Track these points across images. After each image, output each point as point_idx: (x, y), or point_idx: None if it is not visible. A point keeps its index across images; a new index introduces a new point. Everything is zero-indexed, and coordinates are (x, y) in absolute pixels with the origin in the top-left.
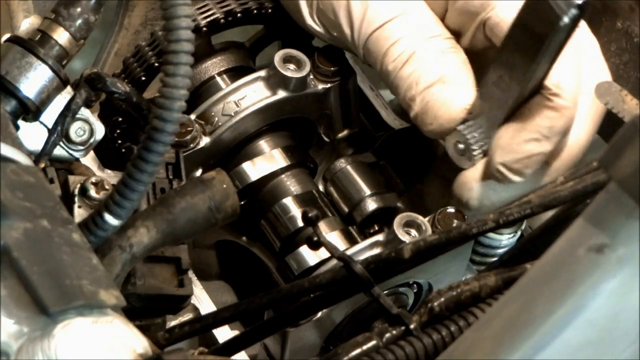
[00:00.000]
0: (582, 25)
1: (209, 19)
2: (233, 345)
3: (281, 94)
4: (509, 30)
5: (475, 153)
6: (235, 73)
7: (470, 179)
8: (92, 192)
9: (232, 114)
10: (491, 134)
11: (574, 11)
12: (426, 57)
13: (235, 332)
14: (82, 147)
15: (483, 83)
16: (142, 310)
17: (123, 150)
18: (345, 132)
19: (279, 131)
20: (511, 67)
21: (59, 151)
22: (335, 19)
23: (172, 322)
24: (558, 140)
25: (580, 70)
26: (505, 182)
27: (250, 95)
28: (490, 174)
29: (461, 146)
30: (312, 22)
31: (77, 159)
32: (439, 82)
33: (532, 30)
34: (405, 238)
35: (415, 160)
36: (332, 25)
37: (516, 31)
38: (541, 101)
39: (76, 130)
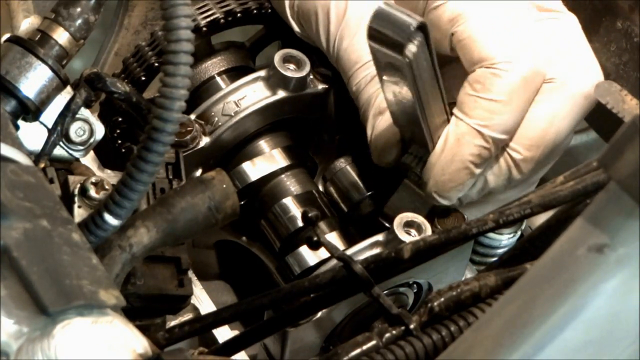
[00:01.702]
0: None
1: (209, 19)
2: (233, 345)
3: (281, 94)
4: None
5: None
6: (235, 73)
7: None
8: (92, 192)
9: (232, 114)
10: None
11: (417, 39)
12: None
13: (235, 332)
14: (82, 147)
15: (387, 104)
16: (142, 310)
17: (123, 150)
18: (345, 132)
19: (278, 131)
20: (393, 79)
21: (59, 151)
22: (313, 25)
23: (172, 322)
24: (489, 163)
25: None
26: (440, 204)
27: (250, 95)
28: (427, 197)
29: (412, 176)
30: (293, 23)
31: (77, 159)
32: (385, 111)
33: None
34: (405, 238)
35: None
36: (310, 31)
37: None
38: (468, 129)
39: (76, 130)
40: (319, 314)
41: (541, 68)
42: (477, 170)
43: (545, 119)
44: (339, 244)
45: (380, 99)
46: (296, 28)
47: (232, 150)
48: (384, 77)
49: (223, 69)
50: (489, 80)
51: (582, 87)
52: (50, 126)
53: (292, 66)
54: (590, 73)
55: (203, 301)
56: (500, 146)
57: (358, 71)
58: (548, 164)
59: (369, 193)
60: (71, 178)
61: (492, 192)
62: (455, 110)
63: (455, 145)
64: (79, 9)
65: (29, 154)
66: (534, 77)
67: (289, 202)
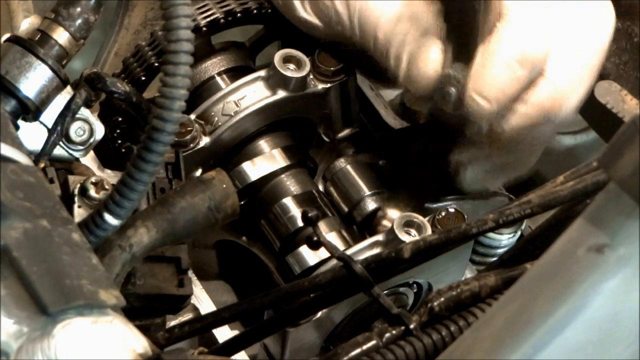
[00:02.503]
0: None
1: (209, 19)
2: (233, 345)
3: (281, 94)
4: None
5: None
6: (235, 73)
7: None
8: (92, 192)
9: (232, 114)
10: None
11: None
12: (415, 16)
13: (235, 332)
14: (82, 147)
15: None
16: (142, 310)
17: (123, 150)
18: (345, 132)
19: (278, 131)
20: None
21: (58, 151)
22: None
23: (172, 322)
24: (532, 68)
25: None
26: (478, 110)
27: (250, 95)
28: (465, 104)
29: (452, 90)
30: (305, 14)
31: (77, 159)
32: (422, 34)
33: None
34: (405, 238)
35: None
36: (326, 11)
37: None
38: (509, 26)
39: (76, 130)
40: (319, 314)
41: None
42: (519, 71)
43: (575, 48)
44: (339, 244)
45: (412, 38)
46: (308, 19)
47: (232, 150)
48: None
49: (223, 68)
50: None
51: (608, 21)
52: (50, 126)
53: (292, 66)
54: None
55: (203, 301)
56: (541, 55)
57: (383, 17)
58: (582, 98)
59: (369, 193)
60: (71, 178)
61: (526, 128)
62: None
63: (496, 39)
64: (79, 9)
65: (29, 154)
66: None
67: (289, 202)
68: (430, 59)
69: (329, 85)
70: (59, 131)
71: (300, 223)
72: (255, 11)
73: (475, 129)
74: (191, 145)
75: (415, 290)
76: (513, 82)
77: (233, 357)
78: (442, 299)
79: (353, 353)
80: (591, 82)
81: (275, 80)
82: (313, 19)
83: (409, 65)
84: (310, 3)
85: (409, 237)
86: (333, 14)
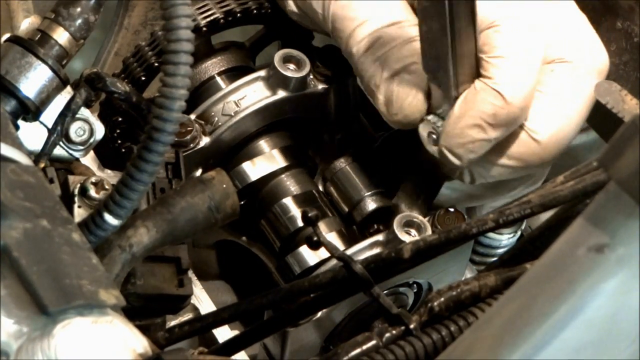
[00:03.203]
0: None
1: (209, 19)
2: (233, 345)
3: (281, 94)
4: None
5: None
6: (235, 73)
7: None
8: (92, 192)
9: (232, 114)
10: None
11: None
12: (391, 44)
13: (235, 332)
14: (82, 147)
15: (420, 38)
16: (142, 310)
17: (123, 150)
18: (345, 132)
19: (278, 131)
20: (430, 15)
21: (59, 151)
22: None
23: (172, 322)
24: (506, 130)
25: (534, 61)
26: (448, 164)
27: (250, 95)
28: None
29: (435, 136)
30: (291, 3)
31: (77, 159)
32: (403, 71)
33: None
34: (405, 238)
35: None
36: (305, 4)
37: None
38: (484, 86)
39: (76, 130)
40: (319, 314)
41: (540, 27)
42: (491, 133)
43: (559, 97)
44: (339, 244)
45: (392, 59)
46: (293, 9)
47: (232, 150)
48: (424, 3)
49: (223, 69)
50: (492, 39)
51: (593, 65)
52: (50, 126)
53: (292, 66)
54: (598, 50)
55: (203, 301)
56: (516, 117)
57: (357, 30)
58: (564, 147)
59: (369, 193)
60: (71, 178)
61: (505, 177)
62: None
63: (470, 100)
64: (79, 9)
65: (29, 154)
66: (535, 33)
67: (288, 202)
68: (416, 105)
69: (328, 85)
70: (59, 131)
71: (300, 223)
72: (255, 11)
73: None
74: (191, 145)
75: (415, 290)
76: (484, 142)
77: (233, 357)
78: (442, 299)
79: (353, 353)
80: (577, 130)
81: (275, 80)
82: (297, 10)
83: (388, 106)
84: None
85: (409, 237)
86: (310, 11)
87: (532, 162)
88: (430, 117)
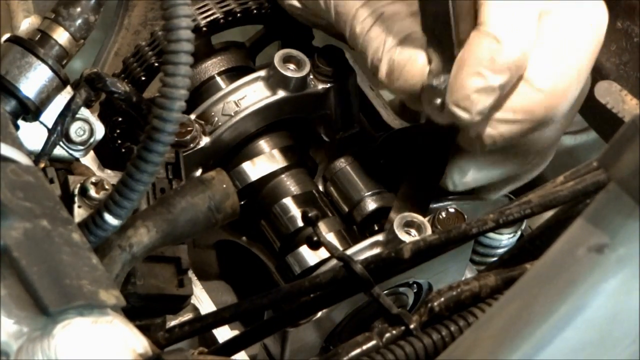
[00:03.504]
0: None
1: (209, 19)
2: (233, 345)
3: (281, 94)
4: None
5: None
6: (235, 73)
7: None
8: (92, 192)
9: (232, 114)
10: None
11: None
12: (394, 18)
13: (235, 332)
14: (82, 147)
15: (420, 11)
16: (142, 310)
17: (123, 150)
18: (345, 132)
19: (278, 131)
20: None
21: (59, 151)
22: None
23: (172, 322)
24: (509, 75)
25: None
26: (461, 121)
27: (250, 95)
28: (448, 116)
29: (438, 101)
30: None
31: (77, 159)
32: (404, 40)
33: None
34: (405, 238)
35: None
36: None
37: None
38: (479, 33)
39: (76, 130)
40: (319, 314)
41: None
42: (493, 79)
43: (557, 47)
44: (339, 244)
45: (393, 31)
46: (293, 2)
47: (232, 150)
48: None
49: (223, 69)
50: None
51: (591, 18)
52: (50, 126)
53: (292, 66)
54: (597, 5)
55: (203, 301)
56: (515, 60)
57: (360, 10)
58: (568, 97)
59: (369, 193)
60: (71, 178)
61: (516, 135)
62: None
63: (467, 49)
64: (79, 9)
65: (29, 154)
66: None
67: (289, 202)
68: (416, 70)
69: (329, 85)
70: (59, 131)
71: (300, 223)
72: (255, 11)
73: (466, 137)
74: (191, 145)
75: (415, 290)
76: (488, 91)
77: (233, 357)
78: (442, 299)
79: (353, 353)
80: (581, 81)
81: (275, 80)
82: (297, 4)
83: (390, 75)
84: None
85: (409, 237)
86: (315, 5)
87: (538, 113)
88: (433, 81)
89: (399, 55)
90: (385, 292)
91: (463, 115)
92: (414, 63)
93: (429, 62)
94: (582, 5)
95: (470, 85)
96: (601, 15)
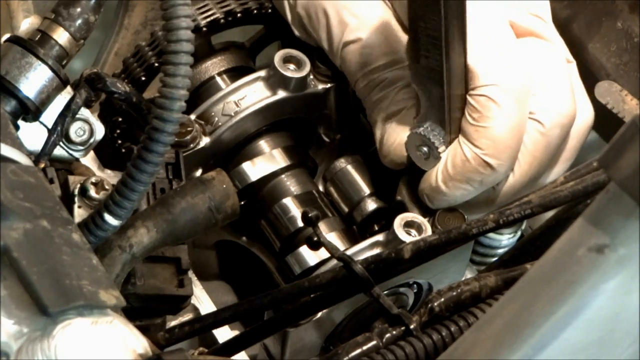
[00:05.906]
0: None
1: (209, 19)
2: (233, 345)
3: (281, 94)
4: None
5: (440, 150)
6: (235, 73)
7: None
8: (92, 192)
9: (232, 114)
10: (444, 129)
11: None
12: (389, 88)
13: (235, 332)
14: (82, 147)
15: (410, 66)
16: (142, 310)
17: (123, 150)
18: (345, 132)
19: (279, 131)
20: (424, 20)
21: (59, 151)
22: (315, 25)
23: (172, 322)
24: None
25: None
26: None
27: (250, 95)
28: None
29: (425, 149)
30: (292, 23)
31: (77, 159)
32: (395, 118)
33: None
34: (405, 238)
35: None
36: (312, 31)
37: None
38: (475, 156)
39: (76, 130)
40: (319, 314)
41: (528, 85)
42: (474, 192)
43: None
44: (339, 244)
45: (388, 102)
46: (295, 31)
47: (232, 150)
48: (420, 24)
49: (223, 69)
50: (486, 109)
51: (556, 121)
52: (50, 126)
53: (292, 66)
54: (565, 106)
55: (203, 301)
56: (501, 179)
57: (366, 74)
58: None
59: (369, 193)
60: (71, 178)
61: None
62: (460, 137)
63: (459, 165)
64: (79, 9)
65: (29, 154)
66: (525, 95)
67: (289, 202)
68: (404, 151)
69: (329, 85)
70: (59, 131)
71: (300, 223)
72: (255, 11)
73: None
74: (191, 145)
75: (415, 291)
76: (464, 198)
77: (233, 358)
78: (442, 300)
79: (353, 353)
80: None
81: (275, 81)
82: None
83: (380, 149)
84: (301, 17)
85: (409, 238)
86: (318, 39)
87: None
88: (419, 129)
89: (389, 135)
90: (385, 292)
91: (430, 205)
92: (402, 144)
93: (417, 113)
94: (555, 108)
95: (453, 194)
96: (585, 122)
